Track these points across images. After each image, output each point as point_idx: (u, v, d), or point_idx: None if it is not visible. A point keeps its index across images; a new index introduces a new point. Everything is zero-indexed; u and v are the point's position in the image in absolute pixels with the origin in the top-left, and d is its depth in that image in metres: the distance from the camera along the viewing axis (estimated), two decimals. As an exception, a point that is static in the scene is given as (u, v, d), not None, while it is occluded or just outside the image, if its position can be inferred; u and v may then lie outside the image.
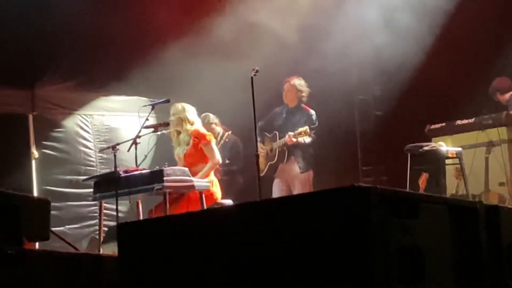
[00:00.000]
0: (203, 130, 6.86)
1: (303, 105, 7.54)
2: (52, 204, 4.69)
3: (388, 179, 8.82)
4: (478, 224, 2.50)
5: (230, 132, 8.24)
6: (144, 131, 6.56)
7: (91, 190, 6.62)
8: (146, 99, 8.28)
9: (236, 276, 2.32)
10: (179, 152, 6.84)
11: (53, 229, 4.39)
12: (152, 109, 6.76)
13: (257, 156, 6.51)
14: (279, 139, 7.43)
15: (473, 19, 7.97)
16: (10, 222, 3.34)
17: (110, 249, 6.06)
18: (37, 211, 3.63)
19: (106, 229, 6.98)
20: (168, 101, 6.78)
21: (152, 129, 6.65)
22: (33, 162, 8.42)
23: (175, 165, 6.63)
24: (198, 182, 6.35)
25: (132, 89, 8.84)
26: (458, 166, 7.07)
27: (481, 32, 7.99)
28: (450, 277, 2.40)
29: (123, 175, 6.18)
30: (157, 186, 5.99)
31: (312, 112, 7.45)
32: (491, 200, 6.95)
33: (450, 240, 2.42)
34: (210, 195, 6.56)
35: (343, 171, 9.05)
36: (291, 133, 7.15)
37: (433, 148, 6.94)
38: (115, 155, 6.36)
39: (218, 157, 6.72)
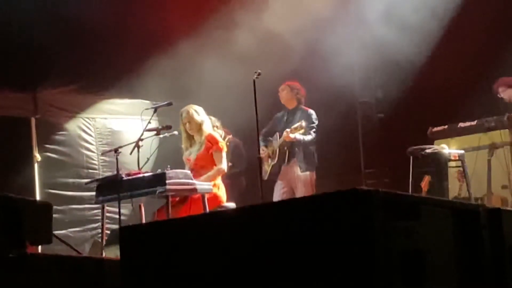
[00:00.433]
0: (217, 137, 6.82)
1: (302, 106, 7.56)
2: (55, 207, 4.71)
3: (390, 182, 8.80)
4: (480, 227, 2.50)
5: (231, 136, 8.23)
6: (146, 134, 6.56)
7: (94, 193, 6.61)
8: (148, 102, 8.27)
9: (238, 280, 2.32)
10: (191, 153, 6.76)
11: (55, 232, 4.39)
12: (155, 112, 6.74)
13: (259, 158, 6.50)
14: (279, 138, 7.46)
15: (476, 21, 7.97)
16: (13, 225, 3.34)
17: (112, 253, 6.05)
18: (39, 214, 3.62)
19: (108, 232, 6.97)
20: (170, 104, 6.75)
21: (155, 132, 6.65)
22: (36, 165, 8.42)
23: (178, 168, 6.61)
24: (201, 185, 6.31)
25: (134, 92, 8.84)
26: (461, 168, 7.07)
27: (483, 34, 7.98)
28: (452, 280, 2.40)
29: (125, 178, 6.16)
30: (159, 189, 5.96)
31: (312, 111, 7.47)
32: (494, 202, 6.93)
33: (452, 243, 2.42)
34: (214, 198, 6.52)
35: (345, 174, 9.05)
36: (288, 130, 7.18)
37: (436, 150, 6.94)
38: (117, 158, 6.35)
39: (224, 166, 6.69)
